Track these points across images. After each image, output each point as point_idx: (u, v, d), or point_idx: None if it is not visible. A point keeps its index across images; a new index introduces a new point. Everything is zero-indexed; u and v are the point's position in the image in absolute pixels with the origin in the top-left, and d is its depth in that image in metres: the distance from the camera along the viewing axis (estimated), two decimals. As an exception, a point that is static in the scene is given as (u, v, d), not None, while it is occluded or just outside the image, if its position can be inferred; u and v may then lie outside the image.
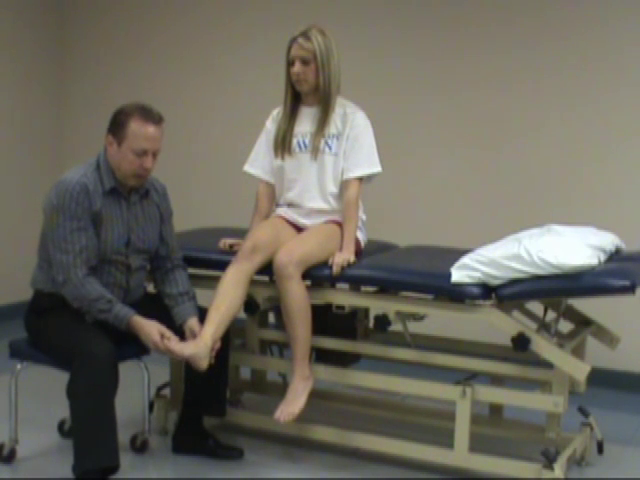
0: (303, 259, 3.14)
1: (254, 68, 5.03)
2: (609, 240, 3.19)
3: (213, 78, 5.21)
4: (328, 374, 3.30)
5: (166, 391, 3.61)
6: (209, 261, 3.41)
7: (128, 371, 3.08)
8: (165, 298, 3.22)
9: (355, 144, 3.30)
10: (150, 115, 3.00)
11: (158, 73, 5.36)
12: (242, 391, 3.73)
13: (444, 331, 3.61)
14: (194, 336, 3.08)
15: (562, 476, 2.94)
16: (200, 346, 3.00)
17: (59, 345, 2.99)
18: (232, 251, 3.32)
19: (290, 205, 3.41)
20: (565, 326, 3.38)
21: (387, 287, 3.20)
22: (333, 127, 3.31)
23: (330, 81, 3.27)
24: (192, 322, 3.13)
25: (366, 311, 3.56)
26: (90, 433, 2.82)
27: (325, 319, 3.33)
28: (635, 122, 4.18)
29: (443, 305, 3.10)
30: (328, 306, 3.27)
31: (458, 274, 2.99)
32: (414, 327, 3.31)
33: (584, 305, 3.40)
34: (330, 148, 3.31)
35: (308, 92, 3.31)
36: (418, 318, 3.25)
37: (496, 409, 3.45)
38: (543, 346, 2.96)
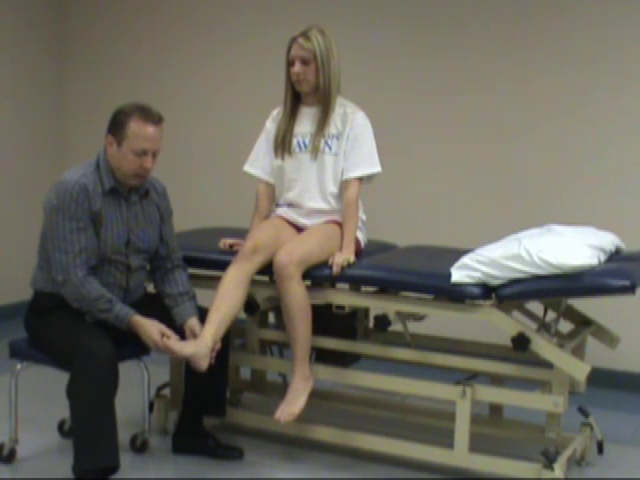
0: (303, 259, 3.14)
1: (254, 68, 5.04)
2: (609, 240, 3.19)
3: (213, 78, 5.21)
4: (328, 374, 3.30)
5: (166, 391, 3.61)
6: (209, 261, 3.41)
7: (128, 371, 3.07)
8: (165, 298, 3.22)
9: (355, 144, 3.30)
10: (150, 115, 3.00)
11: (158, 73, 5.36)
12: (242, 391, 3.73)
13: (444, 331, 3.61)
14: (194, 336, 3.08)
15: (562, 476, 2.94)
16: (200, 346, 3.00)
17: (59, 345, 2.98)
18: (232, 251, 3.32)
19: (290, 205, 3.41)
20: (565, 326, 3.38)
21: (387, 287, 3.20)
22: (333, 127, 3.31)
23: (330, 81, 3.27)
24: (192, 322, 3.13)
25: (366, 311, 3.55)
26: (90, 433, 2.82)
27: (325, 319, 3.32)
28: (635, 122, 4.18)
29: (443, 305, 3.10)
30: (328, 306, 3.26)
31: (458, 274, 2.99)
32: (414, 327, 3.31)
33: (584, 305, 3.40)
34: (330, 148, 3.31)
35: (308, 92, 3.31)
36: (418, 318, 3.25)
37: (496, 409, 3.45)
38: (543, 346, 2.96)
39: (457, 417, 3.07)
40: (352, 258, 3.19)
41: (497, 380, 3.29)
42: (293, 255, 3.12)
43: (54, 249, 2.97)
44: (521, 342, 2.95)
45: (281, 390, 3.40)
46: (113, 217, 3.06)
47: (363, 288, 3.30)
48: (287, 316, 3.17)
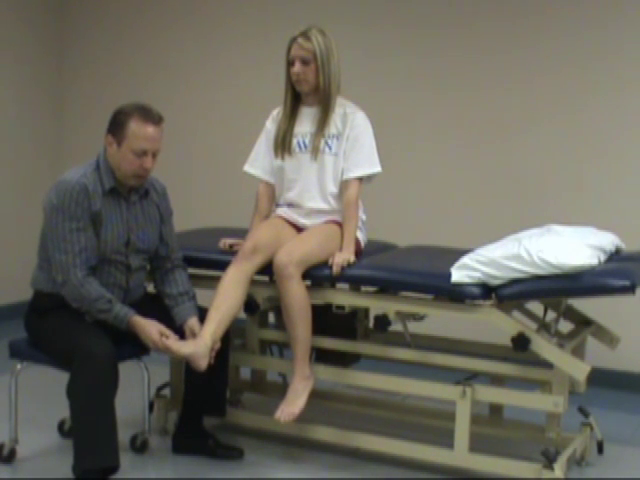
0: (303, 259, 3.15)
1: (254, 68, 5.04)
2: (609, 240, 3.19)
3: (213, 78, 5.21)
4: (328, 374, 3.30)
5: (166, 391, 3.61)
6: (209, 261, 3.41)
7: (128, 371, 3.07)
8: (165, 298, 3.22)
9: (355, 144, 3.30)
10: (150, 115, 2.99)
11: (158, 73, 5.36)
12: (242, 391, 3.73)
13: (444, 331, 3.61)
14: (194, 336, 3.08)
15: (562, 476, 2.94)
16: (200, 345, 3.00)
17: (59, 345, 2.98)
18: (232, 251, 3.32)
19: (290, 205, 3.41)
20: (565, 326, 3.38)
21: (387, 287, 3.20)
22: (333, 127, 3.31)
23: (330, 81, 3.27)
24: (192, 322, 3.13)
25: (366, 311, 3.55)
26: (90, 433, 2.82)
27: (325, 319, 3.33)
28: (636, 122, 4.18)
29: (443, 305, 3.10)
30: (328, 306, 3.27)
31: (458, 274, 2.99)
32: (414, 327, 3.31)
33: (584, 305, 3.40)
34: (330, 148, 3.31)
35: (308, 92, 3.31)
36: (418, 318, 3.25)
37: (496, 409, 3.45)
38: (543, 346, 2.96)
39: (457, 417, 3.07)
40: (352, 258, 3.19)
41: (497, 380, 3.29)
42: (293, 255, 3.12)
43: (54, 249, 2.97)
44: (521, 342, 2.95)
45: (281, 390, 3.40)
46: (113, 217, 3.05)
47: (363, 288, 3.30)
48: (287, 316, 3.17)
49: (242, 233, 3.42)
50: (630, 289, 2.81)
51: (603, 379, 4.00)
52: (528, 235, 3.13)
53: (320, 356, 3.41)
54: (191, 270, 3.35)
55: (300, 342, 3.16)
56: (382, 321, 3.15)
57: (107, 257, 3.05)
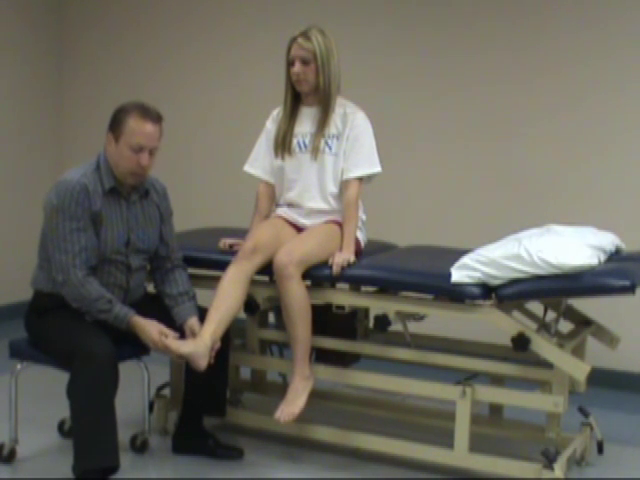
0: (303, 259, 3.15)
1: (254, 68, 5.04)
2: (609, 240, 3.19)
3: (213, 78, 5.21)
4: (328, 374, 3.30)
5: (166, 391, 3.61)
6: (209, 261, 3.41)
7: (128, 371, 3.07)
8: (165, 298, 3.22)
9: (355, 144, 3.30)
10: (148, 112, 3.00)
11: (158, 73, 5.36)
12: (242, 391, 3.72)
13: (444, 331, 3.61)
14: (194, 336, 3.08)
15: (562, 476, 2.94)
16: (199, 345, 3.00)
17: (59, 345, 2.98)
18: (232, 251, 3.32)
19: (290, 205, 3.41)
20: (565, 326, 3.38)
21: (387, 287, 3.20)
22: (333, 127, 3.31)
23: (330, 81, 3.27)
24: (192, 322, 3.13)
25: (366, 311, 3.55)
26: (90, 433, 2.82)
27: (325, 319, 3.33)
28: (636, 122, 4.18)
29: (443, 305, 3.10)
30: (328, 306, 3.27)
31: (458, 274, 2.99)
32: (414, 327, 3.31)
33: (584, 305, 3.40)
34: (330, 148, 3.31)
35: (308, 92, 3.31)
36: (418, 318, 3.25)
37: (496, 409, 3.45)
38: (543, 346, 2.96)
39: (457, 417, 3.07)
40: (352, 258, 3.19)
41: (497, 380, 3.29)
42: (293, 255, 3.12)
43: (54, 249, 2.97)
44: (521, 342, 2.95)
45: (281, 390, 3.40)
46: (113, 217, 3.06)
47: (363, 288, 3.30)
48: (287, 316, 3.17)
49: (242, 233, 3.42)
50: (630, 289, 2.81)
51: (603, 379, 4.00)
52: (528, 235, 3.13)
53: (320, 356, 3.41)
54: (191, 270, 3.35)
55: (300, 342, 3.16)
56: (382, 321, 3.15)
57: (107, 257, 3.05)
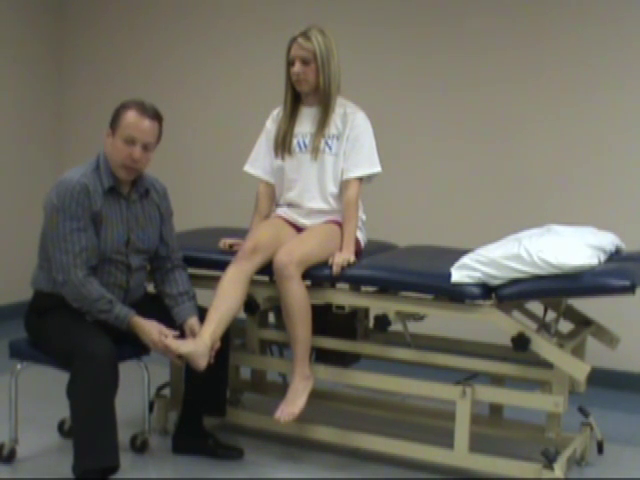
0: (303, 259, 3.15)
1: (254, 68, 5.04)
2: (609, 240, 3.19)
3: (213, 78, 5.21)
4: (328, 374, 3.30)
5: (166, 391, 3.61)
6: (209, 261, 3.41)
7: (128, 371, 3.07)
8: (165, 298, 3.23)
9: (355, 144, 3.30)
10: (145, 108, 3.03)
11: (158, 73, 5.36)
12: (242, 391, 3.72)
13: (444, 331, 3.61)
14: (194, 336, 3.08)
15: (562, 476, 2.94)
16: (199, 345, 3.00)
17: (59, 345, 2.98)
18: (232, 251, 3.32)
19: (290, 205, 3.41)
20: (565, 326, 3.38)
21: (387, 287, 3.20)
22: (333, 127, 3.31)
23: (330, 81, 3.27)
24: (192, 322, 3.14)
25: (366, 311, 3.55)
26: (90, 433, 2.82)
27: (325, 319, 3.33)
28: (636, 122, 4.18)
29: (443, 305, 3.10)
30: (328, 306, 3.27)
31: (458, 274, 2.99)
32: (414, 327, 3.31)
33: (584, 305, 3.40)
34: (330, 148, 3.31)
35: (308, 92, 3.31)
36: (418, 318, 3.25)
37: (496, 409, 3.45)
38: (543, 346, 2.96)
39: (457, 417, 3.07)
40: (352, 258, 3.19)
41: (497, 380, 3.29)
42: (293, 255, 3.12)
43: (54, 249, 2.97)
44: (521, 342, 2.95)
45: (281, 390, 3.40)
46: (113, 217, 3.06)
47: (363, 288, 3.30)
48: (287, 316, 3.17)
49: (242, 233, 3.42)
50: (630, 289, 2.81)
51: (603, 379, 4.00)
52: (528, 235, 3.13)
53: (320, 356, 3.41)
54: (191, 270, 3.35)
55: (300, 342, 3.16)
56: (382, 321, 3.15)
57: (107, 257, 3.05)
